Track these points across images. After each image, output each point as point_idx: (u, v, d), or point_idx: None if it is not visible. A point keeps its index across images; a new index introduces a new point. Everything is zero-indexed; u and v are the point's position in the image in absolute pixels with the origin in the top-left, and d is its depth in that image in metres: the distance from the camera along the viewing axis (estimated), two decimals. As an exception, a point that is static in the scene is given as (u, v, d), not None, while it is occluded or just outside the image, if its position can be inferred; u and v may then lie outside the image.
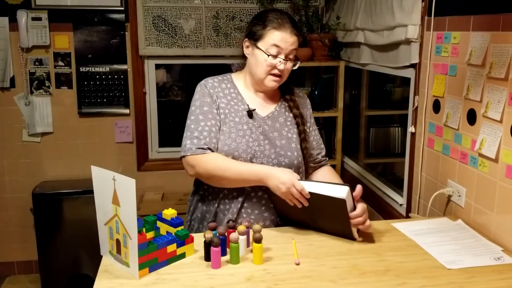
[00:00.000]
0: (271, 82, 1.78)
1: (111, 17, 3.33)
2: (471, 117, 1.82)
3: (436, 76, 2.07)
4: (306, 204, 1.60)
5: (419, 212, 2.27)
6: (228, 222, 1.58)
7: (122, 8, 3.32)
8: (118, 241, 1.43)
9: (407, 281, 1.38)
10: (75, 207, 3.20)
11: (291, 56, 1.76)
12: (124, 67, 3.41)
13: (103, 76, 3.39)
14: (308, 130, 1.92)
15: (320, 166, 1.99)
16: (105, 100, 3.42)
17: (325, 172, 1.97)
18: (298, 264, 1.47)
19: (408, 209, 2.40)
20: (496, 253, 1.56)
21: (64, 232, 3.22)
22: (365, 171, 3.13)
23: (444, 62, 2.00)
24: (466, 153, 1.86)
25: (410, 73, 2.37)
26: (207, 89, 1.82)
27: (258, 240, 1.46)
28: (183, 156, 1.75)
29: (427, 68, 2.13)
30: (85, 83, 3.38)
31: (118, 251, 1.44)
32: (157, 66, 3.55)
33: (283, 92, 1.91)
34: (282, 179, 1.60)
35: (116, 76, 3.41)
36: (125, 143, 3.50)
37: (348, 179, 3.28)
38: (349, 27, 3.03)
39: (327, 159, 2.03)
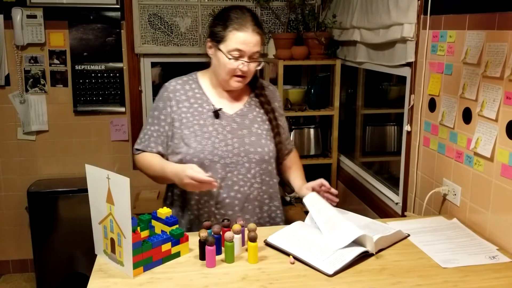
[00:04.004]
0: (235, 83, 1.76)
1: (106, 15, 3.32)
2: (467, 116, 1.82)
3: (432, 74, 2.07)
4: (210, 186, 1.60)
5: (415, 211, 2.27)
6: (223, 221, 1.58)
7: (118, 6, 3.31)
8: (112, 240, 1.42)
9: (402, 280, 1.38)
10: (70, 206, 3.19)
11: (254, 56, 1.73)
12: (119, 65, 3.40)
13: (99, 74, 3.38)
14: (280, 124, 1.91)
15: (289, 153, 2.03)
16: (100, 98, 3.41)
17: (291, 161, 2.00)
18: (293, 263, 1.47)
19: (404, 208, 2.40)
20: (491, 252, 1.56)
21: (59, 230, 3.22)
22: (361, 169, 3.13)
23: (440, 61, 2.00)
24: (462, 152, 1.86)
25: (406, 72, 2.37)
26: (167, 93, 1.82)
27: (253, 239, 1.46)
28: None
29: (423, 67, 2.13)
30: (81, 81, 3.37)
31: (113, 250, 1.43)
32: (153, 64, 3.54)
33: (253, 88, 1.89)
34: (180, 175, 1.61)
35: (111, 74, 3.40)
36: (121, 141, 3.49)
37: (344, 177, 3.28)
38: (345, 25, 3.02)
39: (293, 145, 2.08)
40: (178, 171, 1.63)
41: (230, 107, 1.83)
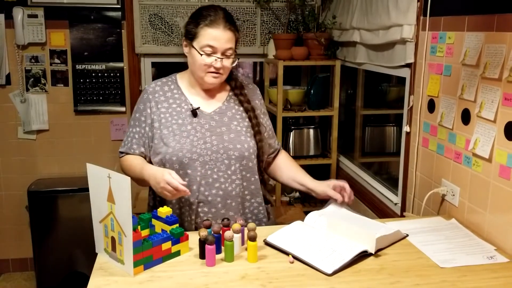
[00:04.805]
0: (210, 79, 1.77)
1: (107, 15, 3.33)
2: (465, 116, 1.83)
3: (431, 75, 2.08)
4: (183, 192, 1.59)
5: (414, 211, 2.28)
6: (223, 220, 1.59)
7: (119, 6, 3.32)
8: (113, 239, 1.43)
9: (400, 279, 1.39)
10: (70, 205, 3.20)
11: (228, 53, 1.75)
12: (120, 65, 3.40)
13: (99, 74, 3.39)
14: (262, 122, 1.92)
15: (277, 153, 2.03)
16: (101, 97, 3.42)
17: (285, 161, 2.02)
18: (292, 263, 1.48)
19: (403, 208, 2.41)
20: (489, 252, 1.57)
21: (59, 229, 3.22)
22: (361, 170, 3.14)
23: (439, 62, 2.01)
24: (460, 153, 1.87)
25: (405, 73, 2.38)
26: (147, 94, 1.85)
27: (253, 238, 1.47)
28: None
29: (422, 68, 2.14)
30: (81, 80, 3.38)
31: (113, 248, 1.44)
32: (153, 64, 3.55)
33: (232, 87, 1.91)
34: (158, 179, 1.60)
35: (112, 74, 3.41)
36: (121, 141, 3.47)
37: (343, 178, 3.28)
38: (345, 26, 3.03)
39: (279, 143, 2.08)
40: (156, 174, 1.63)
41: (208, 106, 1.84)
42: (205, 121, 1.81)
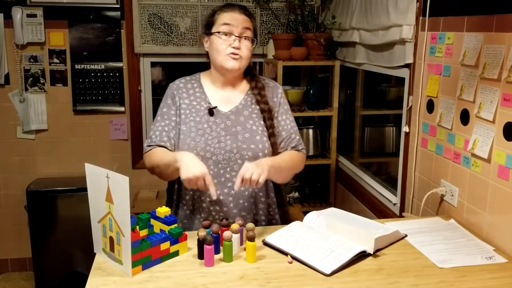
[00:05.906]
0: (230, 62, 1.78)
1: (106, 15, 3.33)
2: (464, 117, 1.83)
3: (430, 76, 2.08)
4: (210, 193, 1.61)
5: (413, 212, 2.28)
6: (222, 220, 1.59)
7: (118, 6, 3.32)
8: (111, 239, 1.43)
9: (399, 279, 1.39)
10: (69, 205, 3.19)
11: (245, 35, 1.79)
12: (119, 64, 3.40)
13: (98, 74, 3.39)
14: (276, 122, 1.88)
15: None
16: (100, 97, 3.42)
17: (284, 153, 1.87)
18: (291, 263, 1.48)
19: (402, 209, 2.41)
20: (488, 253, 1.57)
21: (58, 229, 3.22)
22: (360, 170, 3.14)
23: (438, 62, 2.01)
24: (459, 153, 1.87)
25: (404, 73, 2.38)
26: (172, 90, 1.89)
27: (252, 239, 1.47)
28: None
29: (421, 68, 2.14)
30: (80, 80, 3.38)
31: (112, 248, 1.44)
32: (153, 64, 3.55)
33: (252, 86, 1.90)
34: (199, 166, 1.60)
35: (111, 74, 3.41)
36: (120, 140, 3.50)
37: (342, 178, 3.29)
38: (345, 26, 3.03)
39: (301, 149, 1.91)
40: (199, 162, 1.63)
41: (225, 105, 1.85)
42: (220, 121, 1.81)
